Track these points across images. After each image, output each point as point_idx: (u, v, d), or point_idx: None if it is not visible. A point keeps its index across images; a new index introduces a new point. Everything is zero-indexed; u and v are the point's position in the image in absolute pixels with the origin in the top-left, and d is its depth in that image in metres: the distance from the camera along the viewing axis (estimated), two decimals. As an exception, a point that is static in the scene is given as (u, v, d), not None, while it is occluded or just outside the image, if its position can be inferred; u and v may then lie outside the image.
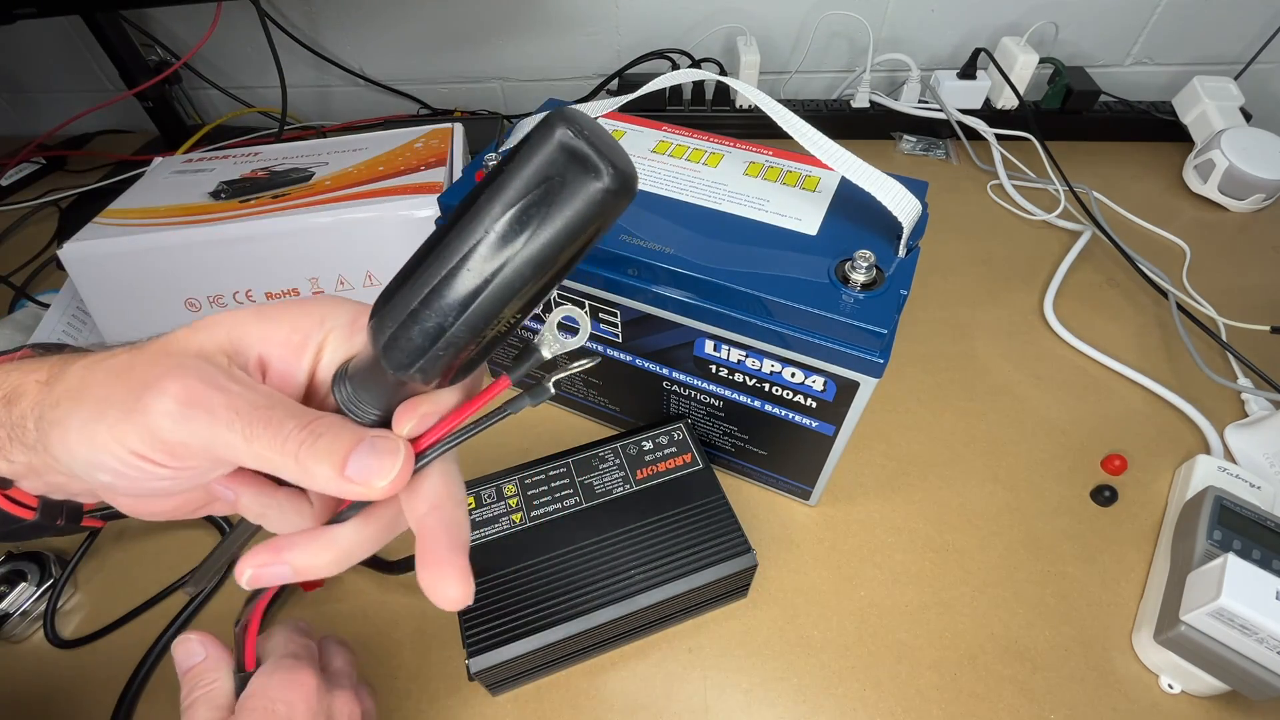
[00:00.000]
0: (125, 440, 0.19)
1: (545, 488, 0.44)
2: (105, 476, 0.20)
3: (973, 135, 0.81)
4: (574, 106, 0.22)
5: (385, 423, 0.22)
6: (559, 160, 0.16)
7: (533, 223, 0.16)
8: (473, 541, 0.42)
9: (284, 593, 0.46)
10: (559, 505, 0.43)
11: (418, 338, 0.18)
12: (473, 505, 0.43)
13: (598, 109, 0.47)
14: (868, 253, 0.38)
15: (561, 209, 0.16)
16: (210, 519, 0.50)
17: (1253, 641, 0.36)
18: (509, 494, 0.44)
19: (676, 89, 0.83)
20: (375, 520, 0.23)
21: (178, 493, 0.23)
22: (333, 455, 0.20)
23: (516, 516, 0.43)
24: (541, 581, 0.40)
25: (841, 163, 0.39)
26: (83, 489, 0.24)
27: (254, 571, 0.21)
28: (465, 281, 0.17)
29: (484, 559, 0.41)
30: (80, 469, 0.20)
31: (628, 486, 0.44)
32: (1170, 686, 0.42)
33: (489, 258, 0.17)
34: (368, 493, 0.20)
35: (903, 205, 0.38)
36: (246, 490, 0.23)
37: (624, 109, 0.47)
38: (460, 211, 0.17)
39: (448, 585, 0.22)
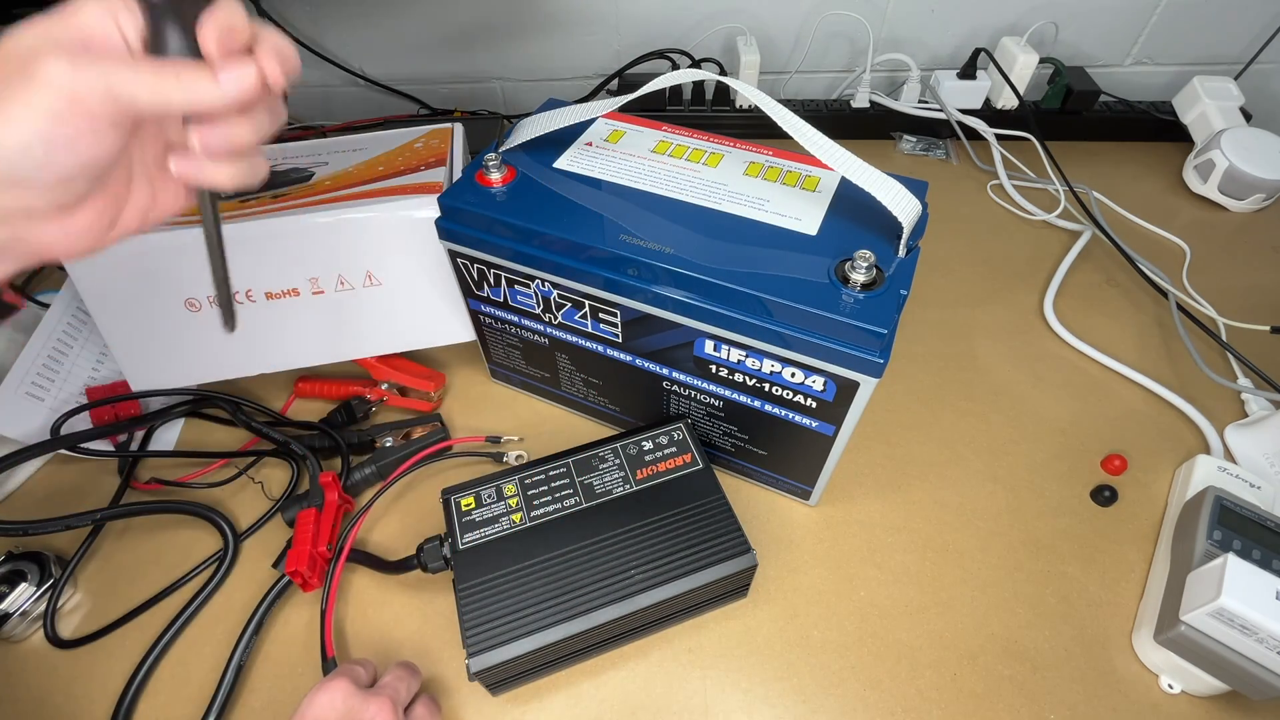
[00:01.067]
0: (33, 103, 0.22)
1: (545, 488, 0.44)
2: (45, 157, 0.23)
3: (973, 135, 0.81)
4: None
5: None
6: None
7: None
8: (473, 541, 0.42)
9: (286, 590, 0.46)
10: (559, 505, 0.43)
11: None
12: (472, 505, 0.43)
13: (598, 109, 0.47)
14: (868, 253, 0.38)
15: None
16: (212, 522, 0.50)
17: (1253, 641, 0.36)
18: (509, 494, 0.44)
19: (676, 89, 0.83)
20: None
21: (91, 172, 0.25)
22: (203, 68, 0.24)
23: (516, 516, 0.43)
24: (541, 581, 0.40)
25: (841, 163, 0.39)
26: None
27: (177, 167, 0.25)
28: None
29: (484, 559, 0.41)
30: (18, 157, 0.22)
31: (628, 486, 0.44)
32: (1170, 686, 0.42)
33: None
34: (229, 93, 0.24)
35: (902, 205, 0.38)
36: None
37: (624, 109, 0.47)
38: None
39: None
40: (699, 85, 0.82)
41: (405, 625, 0.45)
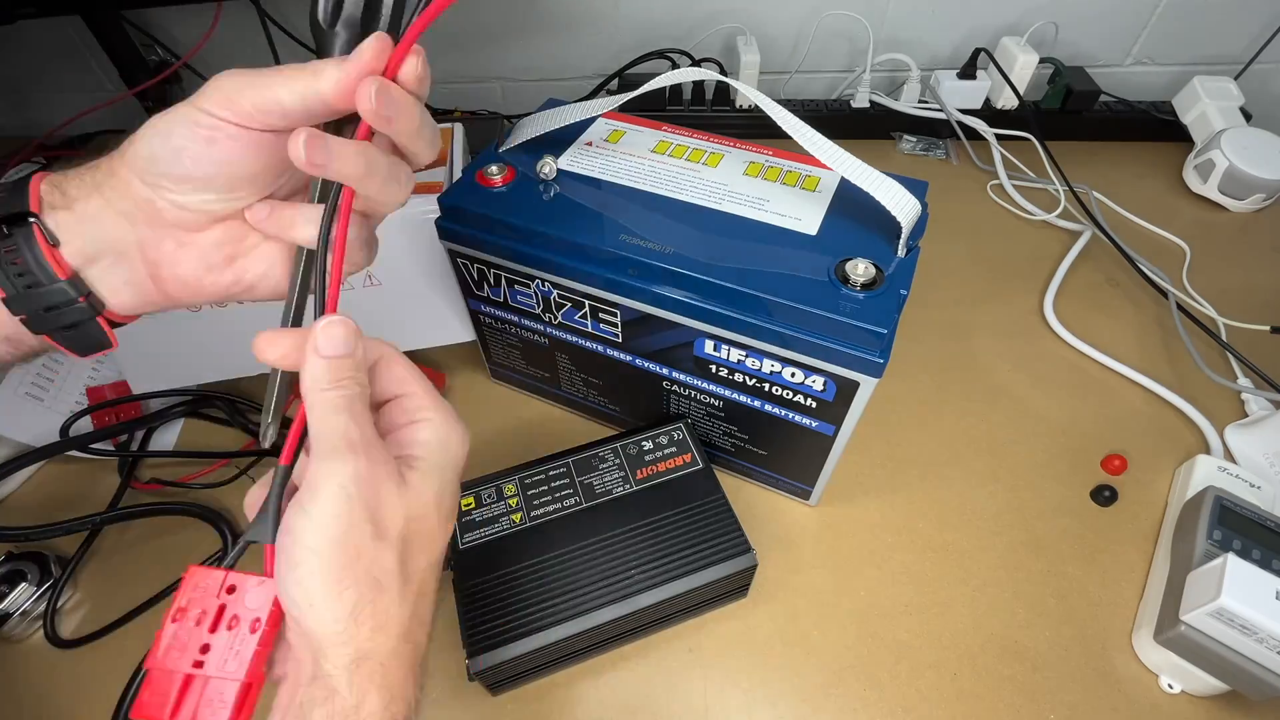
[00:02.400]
0: (199, 103, 0.24)
1: (545, 488, 0.44)
2: (180, 151, 0.25)
3: (973, 135, 0.81)
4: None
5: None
6: None
7: None
8: (473, 541, 0.42)
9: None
10: (559, 505, 0.43)
11: None
12: (472, 505, 0.43)
13: (598, 107, 0.47)
14: (868, 254, 0.38)
15: None
16: (212, 523, 0.50)
17: (1253, 641, 0.36)
18: (509, 494, 0.44)
19: (676, 89, 0.83)
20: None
21: (232, 175, 0.26)
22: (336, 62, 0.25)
23: (516, 516, 0.43)
24: (541, 581, 0.40)
25: (841, 163, 0.39)
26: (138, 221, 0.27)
27: (306, 136, 0.24)
28: None
29: (484, 559, 0.41)
30: (158, 159, 0.25)
31: (628, 486, 0.44)
32: (1170, 686, 0.42)
33: None
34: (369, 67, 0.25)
35: (902, 205, 0.38)
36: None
37: (624, 108, 0.47)
38: None
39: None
40: (699, 85, 0.82)
41: (405, 625, 0.45)
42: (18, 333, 0.27)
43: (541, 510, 0.43)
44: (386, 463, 0.25)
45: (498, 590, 0.40)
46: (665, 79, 0.43)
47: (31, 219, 0.25)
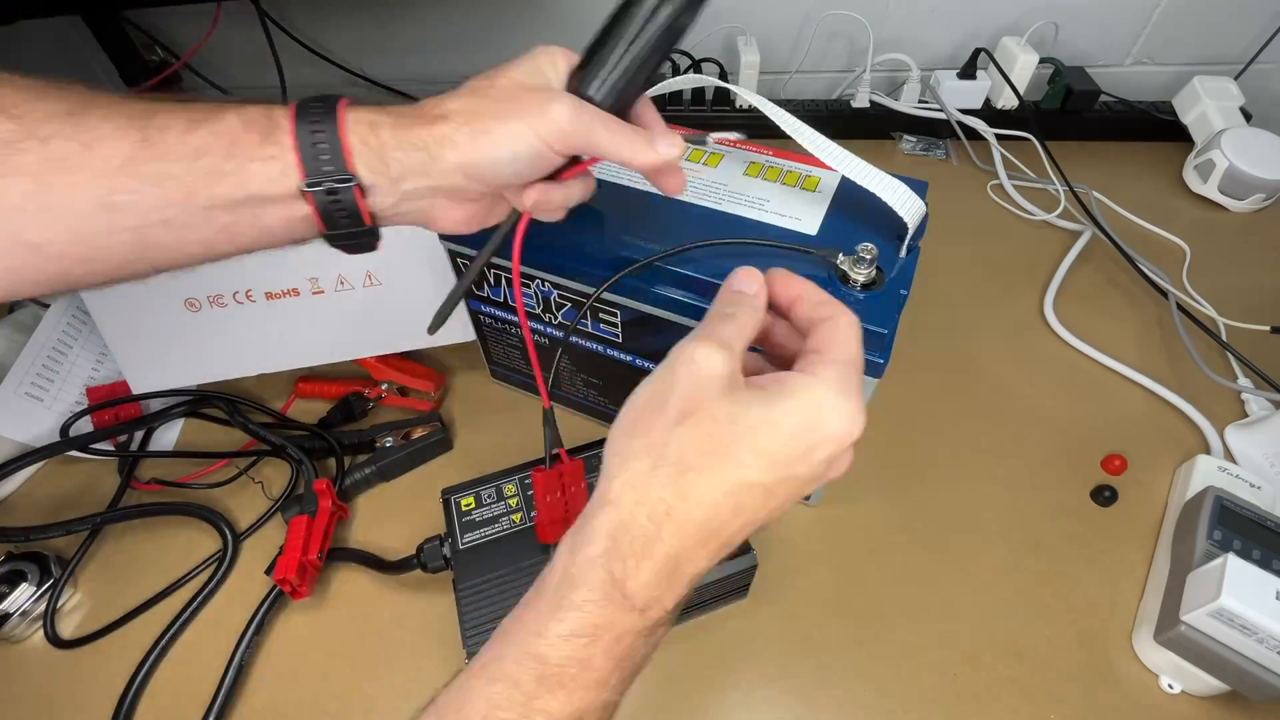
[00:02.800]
0: (538, 131, 0.29)
1: None
2: (511, 166, 0.30)
3: (973, 135, 0.81)
4: None
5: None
6: None
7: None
8: (473, 541, 0.42)
9: (278, 602, 0.46)
10: None
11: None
12: (472, 505, 0.43)
13: None
14: (871, 245, 0.38)
15: None
16: (212, 523, 0.50)
17: (1253, 641, 0.36)
18: (509, 494, 0.44)
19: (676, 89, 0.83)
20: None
21: (519, 182, 0.31)
22: (646, 140, 0.31)
23: (516, 516, 0.43)
24: None
25: (847, 165, 0.39)
26: (426, 201, 0.31)
27: (536, 197, 0.31)
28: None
29: (484, 559, 0.41)
30: (490, 165, 0.29)
31: None
32: (1170, 686, 0.42)
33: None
34: (667, 158, 0.31)
35: (908, 205, 0.38)
36: (536, 188, 0.32)
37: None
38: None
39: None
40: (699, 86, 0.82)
41: (405, 625, 0.45)
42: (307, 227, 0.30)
43: None
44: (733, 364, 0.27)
45: (497, 590, 0.40)
46: (669, 84, 0.43)
47: (353, 181, 0.29)
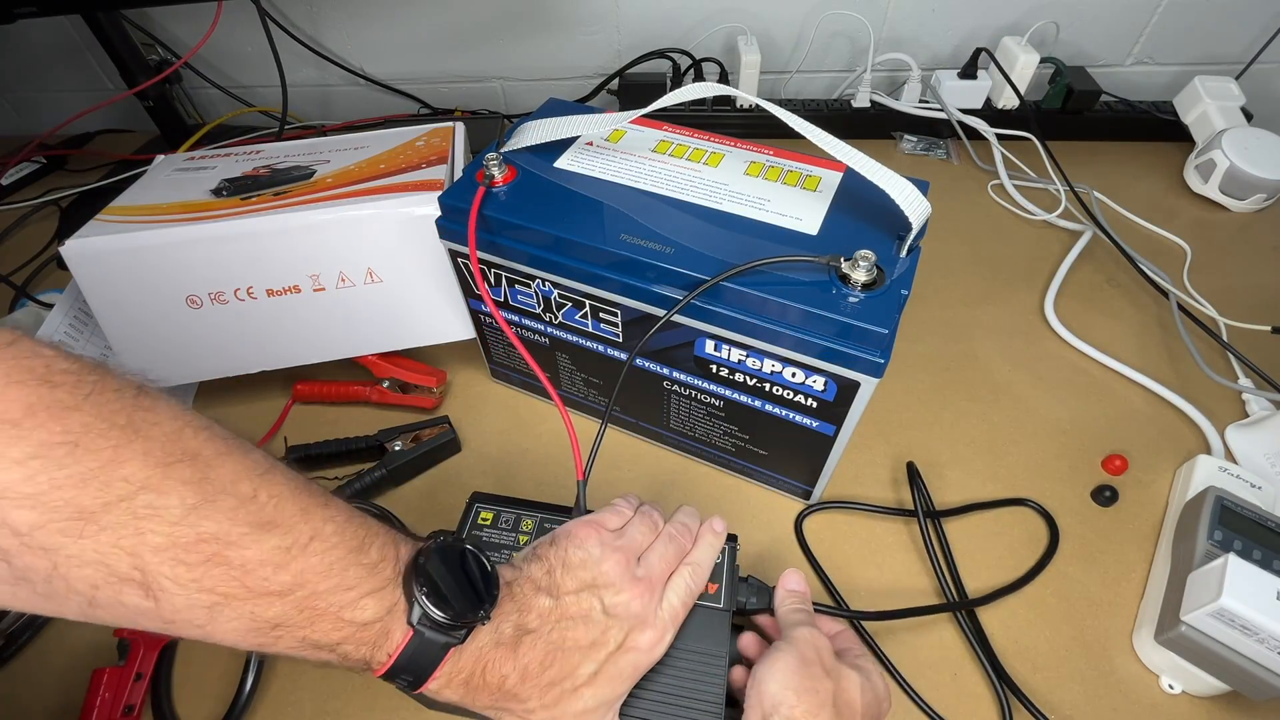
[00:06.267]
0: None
1: None
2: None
3: (973, 135, 0.81)
4: None
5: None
6: None
7: None
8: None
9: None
10: None
11: None
12: (489, 521, 0.42)
13: (617, 120, 0.47)
14: (869, 252, 0.38)
15: None
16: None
17: (1253, 642, 0.36)
18: (525, 528, 0.42)
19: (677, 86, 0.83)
20: None
21: None
22: None
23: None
24: None
25: (856, 163, 0.39)
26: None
27: None
28: None
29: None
30: None
31: None
32: (1170, 686, 0.42)
33: None
34: None
35: (914, 204, 0.38)
36: None
37: (626, 109, 0.47)
38: None
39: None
40: (700, 85, 0.82)
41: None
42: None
43: None
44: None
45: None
46: (677, 95, 0.43)
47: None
